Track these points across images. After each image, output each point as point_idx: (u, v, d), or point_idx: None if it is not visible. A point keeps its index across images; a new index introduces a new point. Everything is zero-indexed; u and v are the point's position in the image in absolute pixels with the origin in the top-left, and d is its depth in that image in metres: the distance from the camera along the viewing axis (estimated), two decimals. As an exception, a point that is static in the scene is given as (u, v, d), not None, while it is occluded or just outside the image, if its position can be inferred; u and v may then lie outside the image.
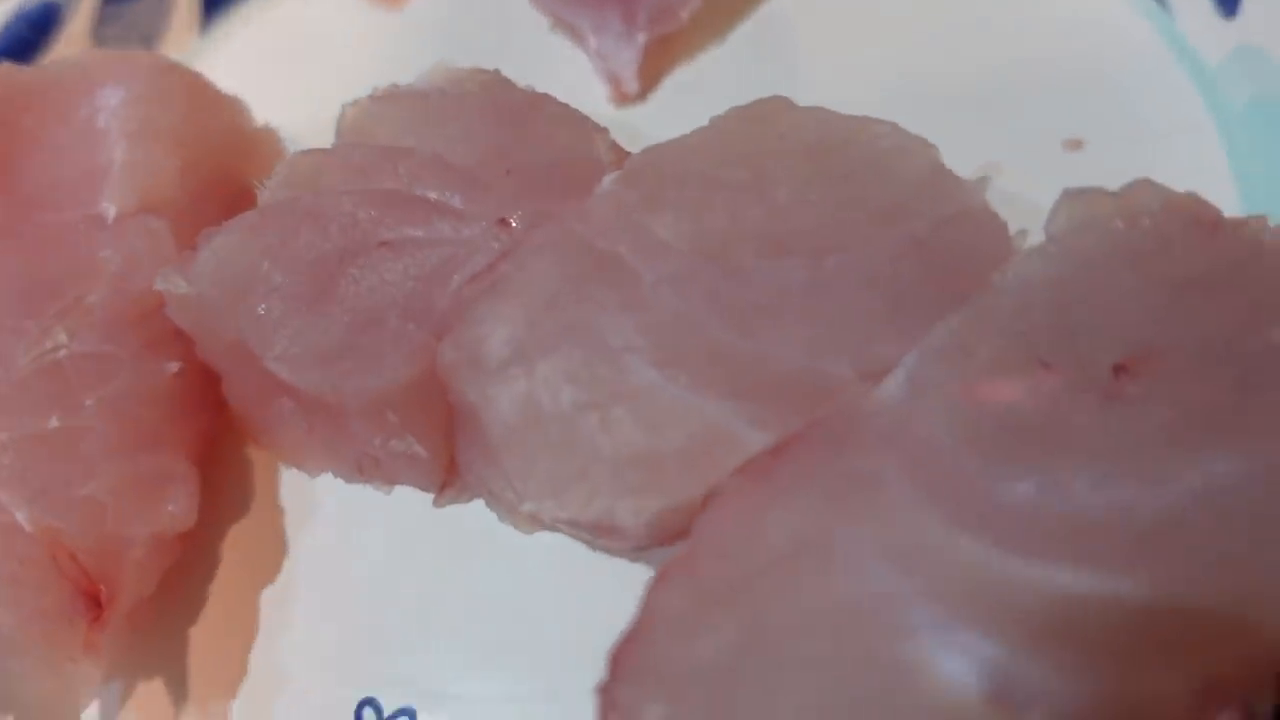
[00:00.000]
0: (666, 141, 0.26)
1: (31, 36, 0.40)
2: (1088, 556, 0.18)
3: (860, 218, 0.24)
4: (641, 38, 0.36)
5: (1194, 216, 0.22)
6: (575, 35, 0.38)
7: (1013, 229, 0.26)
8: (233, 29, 0.44)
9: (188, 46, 0.43)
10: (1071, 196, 0.23)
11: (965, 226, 0.24)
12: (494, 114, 0.29)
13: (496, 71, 0.31)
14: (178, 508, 0.27)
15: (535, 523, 0.26)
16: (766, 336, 0.23)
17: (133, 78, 0.32)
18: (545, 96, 0.29)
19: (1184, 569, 0.18)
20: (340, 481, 0.30)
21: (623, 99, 0.36)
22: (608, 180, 0.25)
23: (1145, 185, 0.23)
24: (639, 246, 0.24)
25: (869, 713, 0.18)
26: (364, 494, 0.30)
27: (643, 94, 0.36)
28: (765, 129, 0.26)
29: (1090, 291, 0.21)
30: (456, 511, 0.29)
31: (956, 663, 0.18)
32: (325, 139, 0.33)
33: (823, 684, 0.18)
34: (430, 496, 0.29)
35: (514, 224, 0.26)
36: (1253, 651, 0.17)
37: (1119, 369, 0.20)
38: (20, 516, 0.25)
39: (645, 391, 0.23)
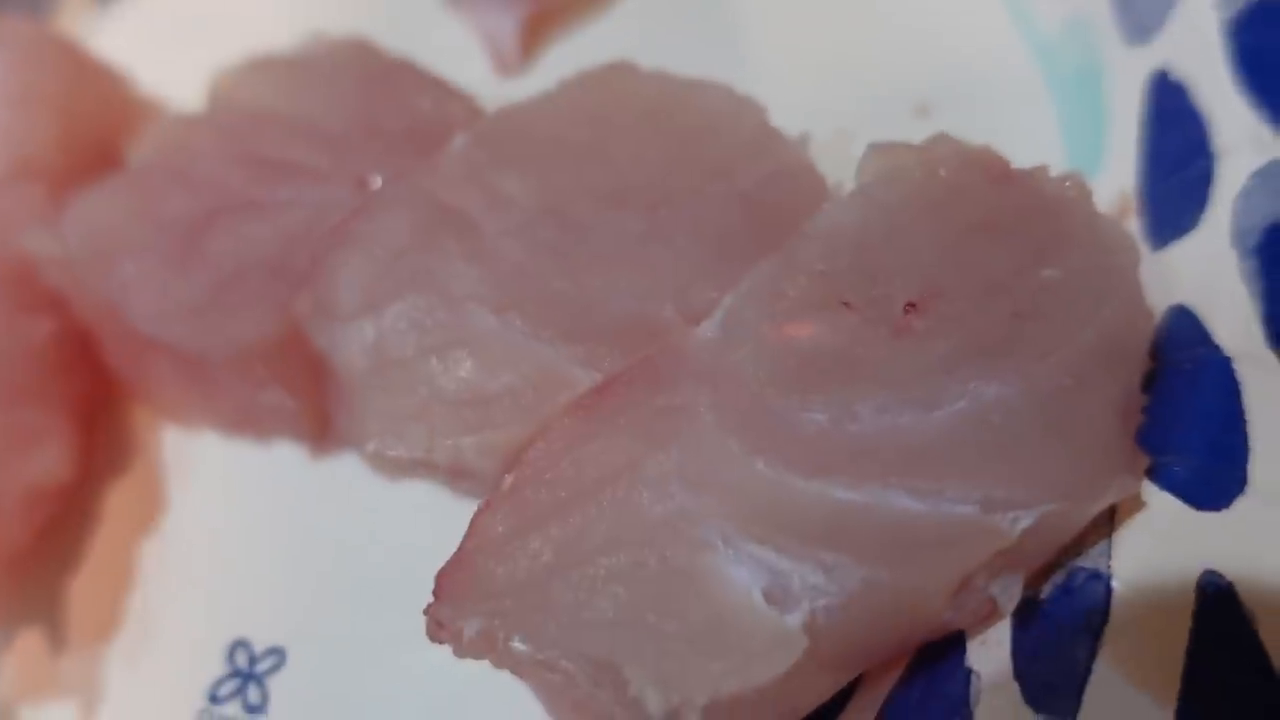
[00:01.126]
0: (515, 104, 0.28)
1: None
2: (863, 472, 0.20)
3: (691, 174, 0.26)
4: (522, 11, 0.37)
5: (986, 167, 0.24)
6: (460, 8, 0.39)
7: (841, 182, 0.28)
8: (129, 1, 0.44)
9: (84, 16, 0.44)
10: (877, 150, 0.24)
11: (787, 181, 0.25)
12: (360, 80, 0.30)
13: (364, 40, 0.32)
14: (51, 461, 0.28)
15: (393, 467, 0.27)
16: (599, 284, 0.24)
17: (10, 47, 0.33)
18: (408, 63, 0.30)
19: (945, 481, 0.20)
20: (221, 438, 0.32)
21: (504, 71, 0.37)
22: (458, 139, 0.27)
23: (943, 140, 0.24)
24: (484, 201, 0.26)
25: (668, 616, 0.20)
26: (242, 447, 0.31)
27: (525, 66, 0.38)
28: (608, 93, 0.27)
29: (889, 236, 0.23)
30: (331, 462, 0.30)
31: (741, 570, 0.19)
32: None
33: (627, 594, 0.20)
34: (306, 452, 0.30)
35: (371, 184, 0.27)
36: (999, 550, 0.19)
37: (909, 306, 0.22)
38: (-115, 468, 0.25)
39: (484, 336, 0.24)
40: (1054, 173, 0.26)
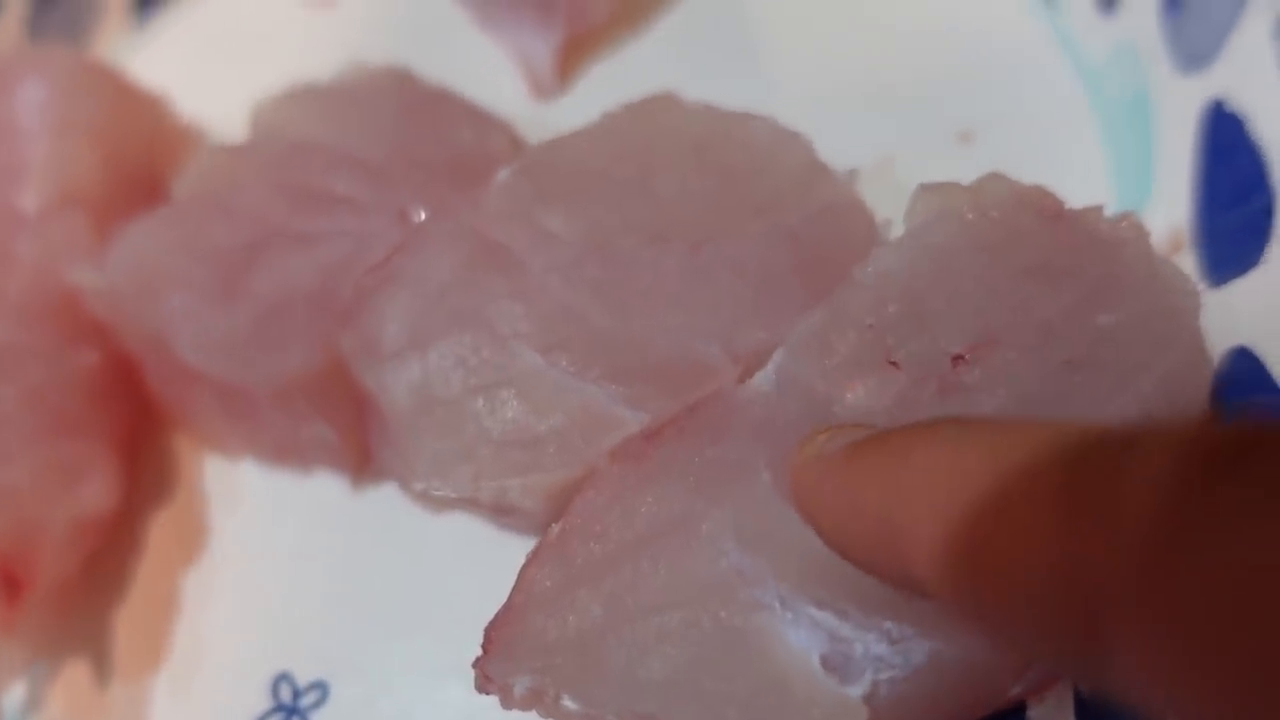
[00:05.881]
0: (559, 137, 0.28)
1: (-38, 31, 0.41)
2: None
3: (736, 210, 0.25)
4: (558, 34, 0.37)
5: (1038, 207, 0.23)
6: (496, 31, 0.39)
7: (899, 220, 0.28)
8: (167, 24, 0.45)
9: (122, 41, 0.44)
10: (927, 190, 0.24)
11: (834, 218, 0.25)
12: (401, 110, 0.30)
13: (405, 69, 0.32)
14: (97, 492, 0.28)
15: (437, 503, 0.27)
16: (644, 323, 0.24)
17: (54, 75, 0.33)
18: (450, 93, 0.30)
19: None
20: (261, 467, 0.32)
21: (540, 94, 0.37)
22: (502, 174, 0.27)
23: (995, 178, 0.24)
24: (528, 237, 0.25)
25: (721, 679, 0.19)
26: (284, 478, 0.31)
27: (561, 90, 0.37)
28: (652, 125, 0.27)
29: (939, 281, 0.23)
30: (373, 494, 0.30)
31: (799, 634, 0.19)
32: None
33: (680, 654, 0.20)
34: (348, 481, 0.30)
35: (414, 216, 0.27)
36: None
37: (957, 359, 0.22)
38: (-64, 502, 0.26)
39: (530, 376, 0.24)
40: (1104, 207, 0.25)
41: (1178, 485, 0.12)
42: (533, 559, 0.21)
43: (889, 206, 0.27)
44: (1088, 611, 0.12)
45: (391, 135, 0.29)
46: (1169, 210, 0.28)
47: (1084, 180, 0.31)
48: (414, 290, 0.25)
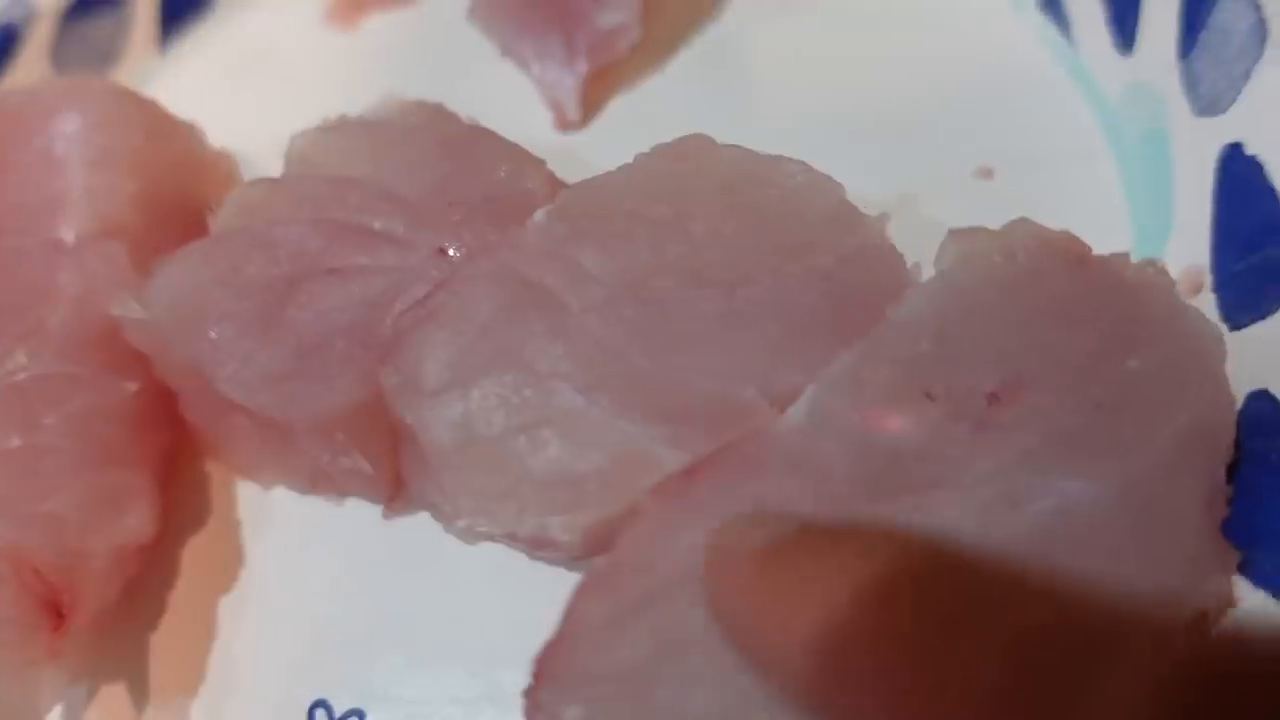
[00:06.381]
0: (595, 177, 0.28)
1: (-10, 58, 0.41)
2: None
3: (770, 252, 0.26)
4: (583, 67, 0.38)
5: (1065, 252, 0.24)
6: (521, 62, 0.39)
7: (926, 257, 0.28)
8: (190, 49, 0.45)
9: (146, 66, 0.45)
10: (957, 234, 0.25)
11: (866, 261, 0.26)
12: (437, 146, 0.30)
13: (440, 104, 0.32)
14: (138, 521, 0.29)
15: (475, 535, 0.27)
16: (681, 364, 0.25)
17: (89, 105, 0.33)
18: (486, 130, 0.31)
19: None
20: (294, 493, 0.32)
21: (565, 126, 0.38)
22: (539, 214, 0.27)
23: (1023, 224, 0.25)
24: (567, 277, 0.26)
25: (770, 713, 0.20)
26: (317, 505, 0.32)
27: (584, 121, 0.38)
28: (685, 166, 0.28)
29: (970, 323, 0.24)
30: (405, 521, 0.31)
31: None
32: (279, 161, 0.35)
33: (728, 685, 0.20)
34: (380, 507, 0.31)
35: (452, 253, 0.28)
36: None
37: (992, 397, 0.22)
38: (-15, 533, 0.26)
39: (571, 415, 0.24)
40: (1130, 253, 0.26)
41: None
42: (581, 591, 0.22)
43: (910, 241, 0.28)
44: None
45: (428, 171, 0.30)
46: (1189, 250, 0.29)
47: (1103, 217, 0.32)
48: (455, 328, 0.26)
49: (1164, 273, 0.24)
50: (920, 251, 0.28)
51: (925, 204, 0.33)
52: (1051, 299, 0.24)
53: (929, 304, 0.24)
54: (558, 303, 0.26)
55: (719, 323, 0.25)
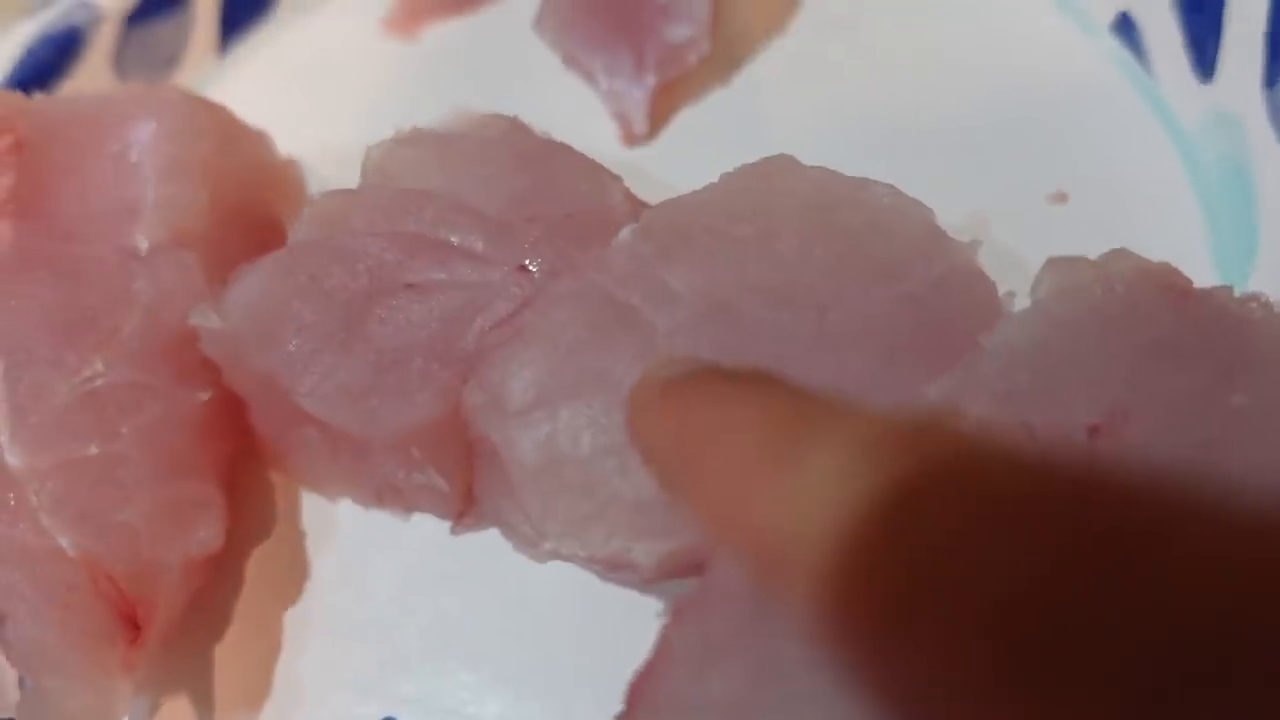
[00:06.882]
0: (679, 196, 0.28)
1: (55, 59, 0.41)
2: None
3: (859, 275, 0.26)
4: (651, 80, 0.37)
5: (1166, 284, 0.24)
6: (586, 74, 0.39)
7: (1001, 278, 0.28)
8: (250, 53, 0.45)
9: (207, 70, 0.45)
10: (1055, 264, 0.24)
11: (957, 286, 0.25)
12: (514, 160, 0.30)
13: (515, 117, 0.32)
14: (207, 533, 0.29)
15: (551, 555, 0.27)
16: (772, 388, 0.24)
17: (162, 113, 0.33)
18: (563, 145, 0.31)
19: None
20: (358, 504, 0.32)
21: (631, 139, 0.38)
22: (624, 233, 0.27)
23: (1122, 254, 0.24)
24: (653, 298, 0.26)
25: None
26: (382, 518, 0.32)
27: (651, 135, 0.38)
28: (770, 186, 0.27)
29: (1069, 355, 0.23)
30: (472, 537, 0.30)
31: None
32: (342, 166, 0.34)
33: (828, 715, 0.20)
34: (446, 522, 0.31)
35: (533, 270, 0.28)
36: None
37: (1094, 430, 0.22)
38: (64, 542, 0.26)
39: (659, 437, 0.24)
40: (1202, 277, 0.26)
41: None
42: (675, 618, 0.22)
43: (985, 264, 0.28)
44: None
45: (505, 186, 0.30)
46: (1274, 282, 0.29)
47: (1182, 245, 0.32)
48: (542, 347, 0.26)
49: (1268, 306, 0.23)
50: (996, 274, 0.28)
51: (999, 228, 0.33)
52: (1152, 331, 0.23)
53: (1027, 334, 0.24)
54: (645, 323, 0.25)
55: (808, 345, 0.25)
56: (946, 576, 0.13)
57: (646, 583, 0.27)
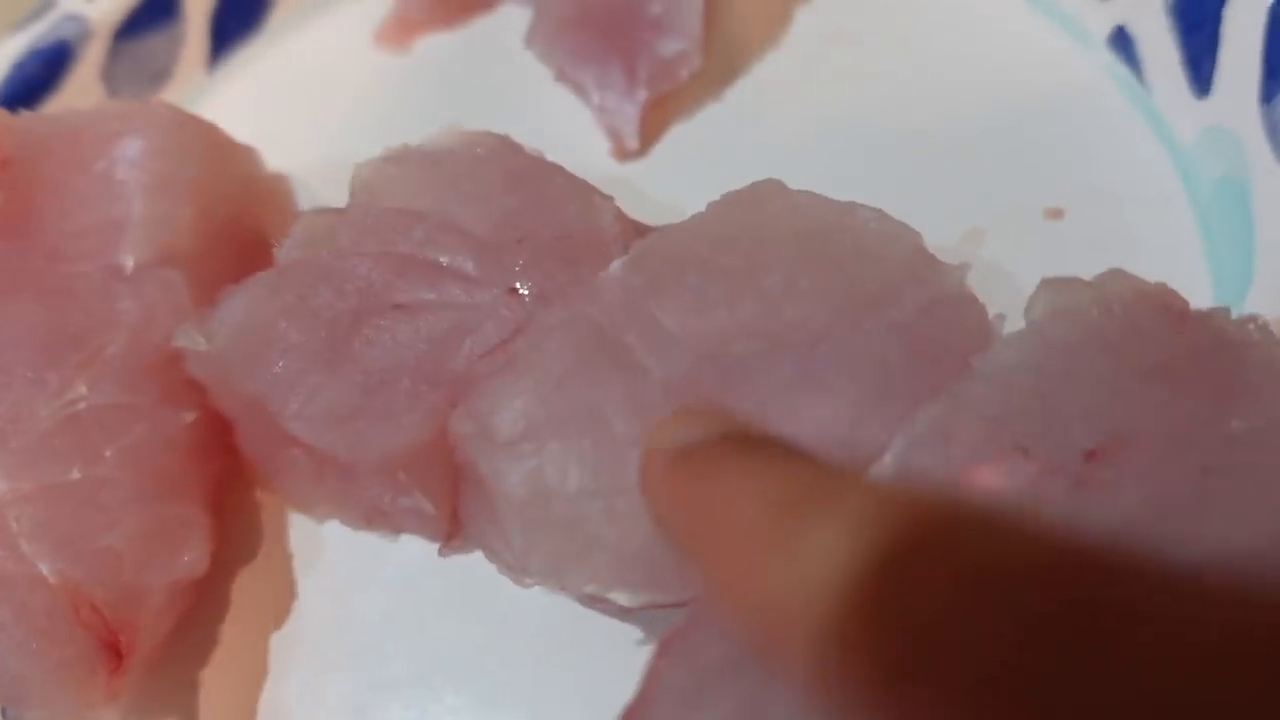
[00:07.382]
0: (668, 226, 0.28)
1: (45, 73, 0.41)
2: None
3: (848, 304, 0.25)
4: (643, 95, 0.37)
5: (1163, 306, 0.24)
6: (577, 89, 0.39)
7: (996, 294, 0.28)
8: (241, 67, 0.45)
9: (197, 84, 0.44)
10: (1050, 285, 0.24)
11: (947, 312, 0.25)
12: (503, 179, 0.30)
13: (505, 135, 0.32)
14: (193, 555, 0.28)
15: (533, 584, 0.27)
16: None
17: (149, 129, 0.33)
18: (554, 165, 0.30)
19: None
20: (346, 527, 0.32)
21: (623, 154, 0.37)
22: (615, 265, 0.26)
23: (1118, 275, 0.24)
24: (645, 336, 0.25)
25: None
26: (370, 540, 0.31)
27: (643, 149, 0.38)
28: (757, 213, 0.27)
29: (1065, 377, 0.23)
30: (460, 559, 0.30)
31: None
32: (332, 181, 0.34)
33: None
34: (434, 544, 0.30)
35: (523, 293, 0.27)
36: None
37: (1090, 455, 0.22)
38: (44, 569, 0.26)
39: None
40: (1198, 295, 0.25)
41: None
42: (663, 652, 0.21)
43: (979, 281, 0.27)
44: None
45: (495, 205, 0.29)
46: (1271, 302, 0.28)
47: (1178, 263, 0.31)
48: (533, 379, 0.25)
49: (1266, 329, 0.23)
50: (990, 292, 0.27)
51: (994, 243, 0.33)
52: (1149, 354, 0.23)
53: (1021, 356, 0.23)
54: (638, 364, 0.25)
55: (799, 386, 0.24)
56: (936, 644, 0.13)
57: (626, 613, 0.27)
